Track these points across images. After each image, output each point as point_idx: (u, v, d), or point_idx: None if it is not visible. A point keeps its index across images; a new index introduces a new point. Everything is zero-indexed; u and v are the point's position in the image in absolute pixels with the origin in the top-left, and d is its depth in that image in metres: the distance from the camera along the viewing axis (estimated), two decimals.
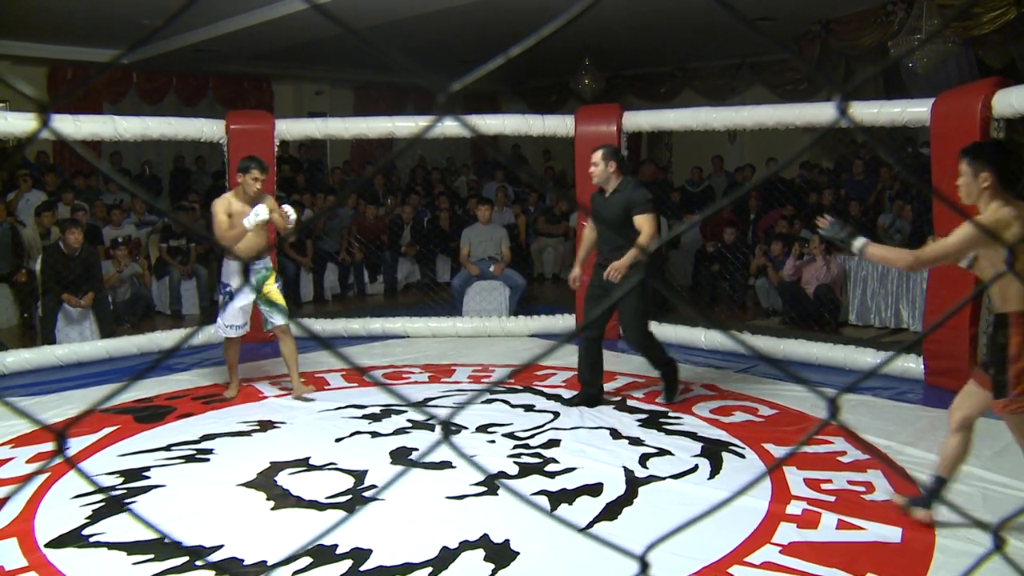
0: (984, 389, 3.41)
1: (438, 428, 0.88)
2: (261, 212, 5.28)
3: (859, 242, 3.45)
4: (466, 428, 5.03)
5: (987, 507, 3.86)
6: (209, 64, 12.86)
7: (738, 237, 9.42)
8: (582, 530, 3.58)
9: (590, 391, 5.59)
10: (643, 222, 5.21)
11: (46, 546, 3.49)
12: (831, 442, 4.67)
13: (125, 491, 4.12)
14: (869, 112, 6.19)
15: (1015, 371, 3.19)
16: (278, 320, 5.60)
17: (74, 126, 6.82)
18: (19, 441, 4.82)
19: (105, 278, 7.89)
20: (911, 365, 6.13)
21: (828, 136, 11.91)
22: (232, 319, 5.56)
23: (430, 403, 5.61)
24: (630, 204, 5.25)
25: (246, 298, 5.56)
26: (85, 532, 3.63)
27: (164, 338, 7.39)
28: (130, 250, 8.63)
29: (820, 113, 6.58)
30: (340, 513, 3.83)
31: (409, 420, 5.16)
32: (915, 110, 6.06)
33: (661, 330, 7.45)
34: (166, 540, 3.48)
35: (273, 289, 5.62)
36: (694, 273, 9.75)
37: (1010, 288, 3.16)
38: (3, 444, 4.79)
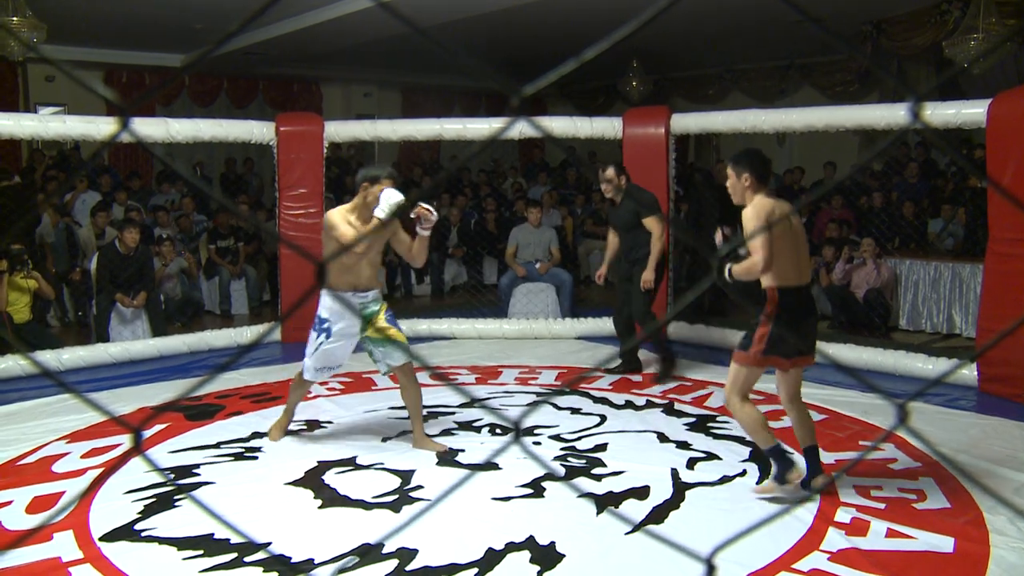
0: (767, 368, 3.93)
1: (510, 431, 0.89)
2: (393, 196, 4.37)
3: (727, 268, 3.82)
4: (511, 430, 5.03)
5: None
6: (259, 67, 13.05)
7: None
8: (630, 531, 3.58)
9: (628, 365, 6.51)
10: (652, 223, 6.04)
11: (100, 539, 3.56)
12: (882, 449, 4.60)
13: (175, 487, 4.19)
14: (923, 114, 6.08)
15: (759, 334, 3.84)
16: (399, 359, 4.62)
17: (128, 129, 6.94)
18: (74, 436, 4.92)
19: None
20: (965, 371, 6.01)
21: (878, 138, 11.75)
22: (323, 361, 4.62)
23: (476, 404, 5.63)
24: (639, 208, 6.07)
25: (347, 339, 4.62)
26: (137, 527, 3.69)
27: (214, 337, 7.50)
28: (181, 229, 8.80)
29: (870, 115, 6.49)
30: (387, 512, 3.86)
31: (455, 422, 5.17)
32: (970, 111, 5.94)
33: (709, 334, 7.41)
34: (216, 536, 3.53)
35: (386, 324, 4.62)
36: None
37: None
38: (59, 439, 4.90)
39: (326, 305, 4.54)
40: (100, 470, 4.30)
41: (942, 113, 6.05)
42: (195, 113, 12.90)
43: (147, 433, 4.98)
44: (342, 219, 4.42)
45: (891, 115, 6.36)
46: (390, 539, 3.46)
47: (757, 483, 4.17)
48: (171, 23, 10.01)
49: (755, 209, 3.85)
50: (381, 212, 4.35)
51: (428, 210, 4.37)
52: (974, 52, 7.97)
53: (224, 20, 9.95)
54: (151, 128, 7.19)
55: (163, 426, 5.12)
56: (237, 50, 11.27)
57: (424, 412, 5.25)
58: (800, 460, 4.03)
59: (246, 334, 7.58)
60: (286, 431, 4.92)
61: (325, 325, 4.54)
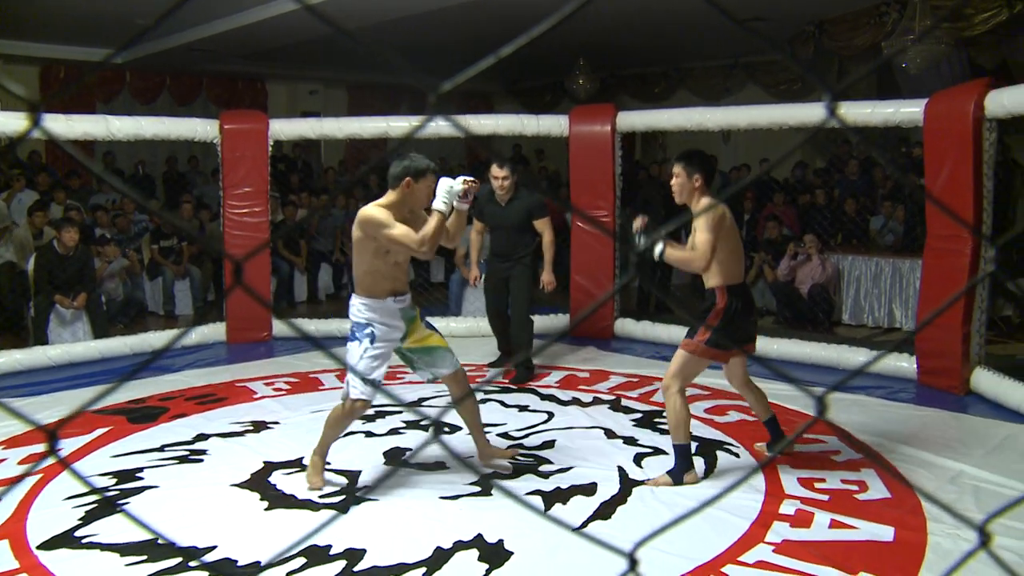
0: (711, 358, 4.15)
1: (431, 428, 0.88)
2: (457, 184, 3.91)
3: (659, 247, 3.95)
4: (460, 428, 5.03)
5: (978, 506, 3.87)
6: (203, 63, 12.84)
7: None
8: (575, 529, 3.60)
9: (506, 359, 6.59)
10: (545, 225, 6.12)
11: (38, 548, 3.48)
12: (824, 441, 4.69)
13: (118, 492, 4.11)
14: (862, 112, 6.20)
15: (704, 326, 4.07)
16: (449, 367, 4.22)
17: (67, 126, 6.80)
18: (11, 442, 4.81)
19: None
20: (904, 364, 6.14)
21: (820, 135, 11.94)
22: (372, 369, 3.98)
23: (424, 403, 5.61)
24: (531, 210, 6.08)
25: (390, 346, 4.10)
26: (78, 533, 3.62)
27: (157, 338, 7.37)
28: (119, 228, 8.63)
29: (814, 113, 6.59)
30: (334, 514, 3.83)
31: (404, 421, 5.15)
32: (908, 110, 6.07)
33: (655, 330, 7.47)
34: (159, 541, 3.48)
35: (426, 330, 4.22)
36: (692, 275, 9.74)
37: (712, 265, 4.01)
38: None
39: (363, 312, 4.01)
40: (39, 476, 4.21)
41: (881, 112, 6.17)
42: (137, 111, 12.65)
43: (88, 437, 4.89)
44: (390, 218, 3.88)
45: (829, 121, 6.45)
46: (304, 541, 3.43)
47: (670, 472, 4.19)
48: (110, 17, 9.80)
49: (710, 212, 3.98)
50: (442, 203, 3.87)
51: (474, 181, 3.98)
52: (911, 53, 8.14)
53: (164, 15, 9.76)
54: (91, 125, 7.03)
55: (105, 429, 5.03)
56: (180, 46, 11.08)
57: (371, 411, 5.22)
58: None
59: (190, 334, 7.47)
60: (323, 474, 4.21)
61: (368, 330, 3.99)
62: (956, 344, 5.73)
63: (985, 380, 5.68)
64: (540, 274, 6.22)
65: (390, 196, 4.00)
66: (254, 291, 0.80)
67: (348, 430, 4.96)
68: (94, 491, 4.08)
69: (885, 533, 3.58)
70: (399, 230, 3.86)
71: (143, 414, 5.37)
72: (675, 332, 7.25)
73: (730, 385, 4.55)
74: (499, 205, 6.17)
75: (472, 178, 3.98)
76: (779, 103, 9.12)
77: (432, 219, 3.88)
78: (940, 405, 5.54)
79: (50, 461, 4.38)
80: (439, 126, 7.46)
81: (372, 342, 3.98)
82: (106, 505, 3.89)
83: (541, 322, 7.88)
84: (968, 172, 5.57)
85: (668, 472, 4.16)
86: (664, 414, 4.28)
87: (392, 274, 4.04)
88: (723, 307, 4.04)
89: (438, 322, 7.74)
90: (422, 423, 5.10)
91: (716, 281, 4.05)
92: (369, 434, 4.94)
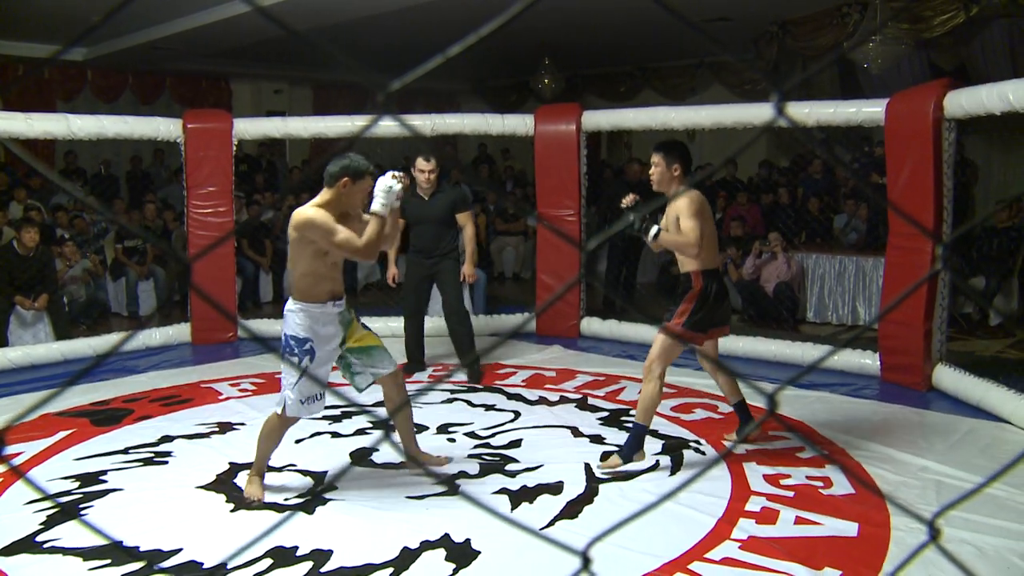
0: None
1: (381, 428, 0.88)
2: (396, 184, 3.84)
3: (654, 230, 4.06)
4: (427, 428, 5.02)
5: (940, 500, 3.93)
6: (166, 62, 12.70)
7: None
8: (535, 532, 3.60)
9: (417, 366, 6.49)
10: (468, 219, 6.13)
11: None
12: (789, 438, 4.73)
13: (81, 495, 4.05)
14: (825, 111, 6.28)
15: (681, 310, 4.24)
16: (389, 365, 4.13)
17: (26, 124, 6.70)
18: None
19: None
20: (867, 361, 6.22)
21: (785, 135, 12.07)
22: (311, 389, 3.85)
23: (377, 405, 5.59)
24: (455, 203, 6.07)
25: (331, 356, 3.97)
26: (39, 539, 3.56)
27: (119, 339, 7.27)
28: (78, 230, 8.50)
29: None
30: (301, 515, 3.81)
31: (370, 421, 5.13)
32: (870, 110, 6.15)
33: (621, 329, 7.50)
34: (121, 546, 3.44)
35: (363, 330, 4.12)
36: (658, 274, 9.81)
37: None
38: None
39: (300, 323, 3.82)
40: None
41: (844, 111, 6.24)
42: (99, 109, 12.48)
43: (51, 440, 4.82)
44: (330, 220, 3.74)
45: (794, 113, 6.53)
46: (263, 540, 3.42)
47: (620, 453, 4.37)
48: (70, 15, 9.66)
49: (690, 198, 4.10)
50: (381, 206, 3.80)
51: (403, 177, 3.89)
52: (873, 53, 8.25)
53: (122, 12, 9.66)
54: (51, 124, 6.92)
55: (68, 432, 4.96)
56: (142, 45, 10.95)
57: (337, 412, 5.20)
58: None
59: (155, 336, 7.38)
60: (263, 485, 4.06)
61: (307, 346, 3.81)
62: (918, 341, 5.81)
63: (947, 377, 5.76)
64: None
65: (325, 195, 3.85)
66: (205, 292, 0.79)
67: (315, 431, 4.95)
68: (47, 497, 4.02)
69: (849, 529, 3.62)
70: (342, 235, 3.73)
71: (107, 416, 5.30)
72: (642, 331, 7.28)
73: (704, 368, 4.87)
74: (422, 199, 6.07)
75: (401, 173, 3.90)
76: (744, 103, 9.19)
77: (372, 223, 3.79)
78: (903, 401, 5.61)
79: (2, 467, 4.32)
80: (403, 126, 7.46)
81: (312, 360, 3.83)
82: (68, 509, 3.84)
83: (504, 321, 7.89)
84: (929, 171, 5.65)
85: (618, 452, 4.34)
86: (632, 413, 4.33)
87: (331, 275, 3.91)
88: (699, 290, 4.19)
89: (398, 323, 7.70)
90: (391, 423, 5.08)
91: (693, 266, 4.21)
92: (335, 435, 4.92)
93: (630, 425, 5.01)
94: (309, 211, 3.76)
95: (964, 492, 3.92)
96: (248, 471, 4.13)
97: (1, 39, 11.59)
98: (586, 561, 0.92)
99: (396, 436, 4.31)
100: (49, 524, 3.69)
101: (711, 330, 4.32)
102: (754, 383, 1.07)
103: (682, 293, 4.27)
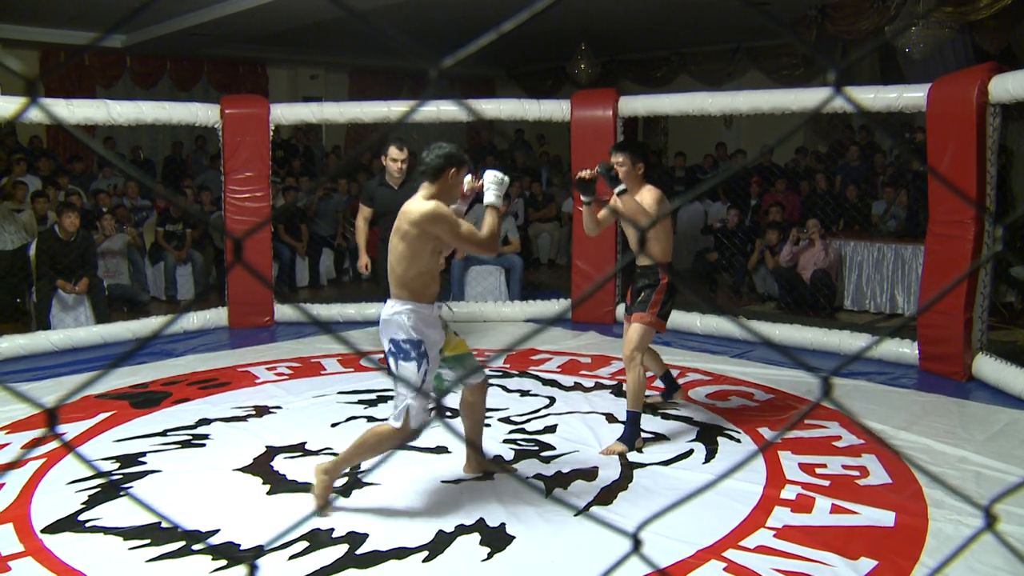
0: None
1: (434, 412, 0.88)
2: (497, 176, 3.76)
3: (620, 187, 4.25)
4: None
5: (980, 491, 3.87)
6: (204, 48, 12.80)
7: (739, 223, 9.42)
8: (578, 512, 3.61)
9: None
10: None
11: (42, 531, 3.50)
12: (826, 427, 4.69)
13: (121, 476, 4.12)
14: (866, 97, 6.18)
15: (654, 300, 4.50)
16: (476, 377, 3.92)
17: (67, 110, 6.79)
18: (15, 427, 4.82)
19: None
20: (906, 350, 6.14)
21: (822, 121, 11.92)
22: (427, 397, 3.62)
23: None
24: None
25: (437, 362, 3.70)
26: (81, 517, 3.63)
27: (159, 323, 7.37)
28: (118, 219, 8.61)
29: (816, 98, 6.57)
30: (337, 498, 3.84)
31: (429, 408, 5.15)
32: (911, 95, 6.04)
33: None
34: (163, 525, 3.49)
35: (455, 338, 3.83)
36: (694, 260, 9.78)
37: (655, 245, 4.51)
38: None
39: (412, 325, 3.55)
40: (42, 460, 4.22)
41: (884, 97, 6.15)
42: (137, 95, 12.62)
43: (91, 422, 4.90)
44: (452, 214, 3.57)
45: (835, 99, 6.44)
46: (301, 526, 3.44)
47: (623, 440, 4.44)
48: (106, 1, 9.76)
49: (654, 194, 4.48)
50: (495, 197, 3.68)
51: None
52: (915, 37, 8.11)
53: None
54: (91, 110, 7.02)
55: (108, 414, 5.04)
56: (180, 31, 11.04)
57: (373, 396, 5.23)
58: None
59: (193, 320, 7.47)
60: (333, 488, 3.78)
61: (422, 348, 3.56)
62: (958, 330, 5.73)
63: (987, 366, 5.68)
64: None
65: (431, 189, 3.61)
66: (255, 268, 0.80)
67: (351, 415, 4.99)
68: (98, 474, 4.10)
69: (886, 518, 3.58)
70: (465, 227, 3.57)
71: (146, 399, 5.38)
72: (676, 317, 7.24)
73: (651, 362, 5.07)
74: (391, 189, 5.92)
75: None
76: (781, 88, 9.09)
77: (490, 214, 3.66)
78: (942, 391, 5.54)
79: (53, 444, 4.40)
80: (440, 108, 7.46)
81: (428, 363, 3.58)
82: (109, 489, 3.91)
83: (540, 307, 7.89)
84: (971, 157, 5.55)
85: (621, 440, 4.43)
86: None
87: (437, 276, 3.70)
88: (667, 283, 4.53)
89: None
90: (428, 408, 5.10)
91: (660, 259, 4.58)
92: (371, 419, 4.95)
93: (664, 412, 5.01)
94: (434, 205, 3.52)
95: (1013, 483, 3.87)
96: (287, 454, 4.15)
97: (43, 26, 11.75)
98: (637, 543, 0.92)
99: (452, 423, 4.26)
100: (91, 504, 3.76)
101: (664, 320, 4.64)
102: (812, 369, 1.05)
103: (649, 286, 4.55)
